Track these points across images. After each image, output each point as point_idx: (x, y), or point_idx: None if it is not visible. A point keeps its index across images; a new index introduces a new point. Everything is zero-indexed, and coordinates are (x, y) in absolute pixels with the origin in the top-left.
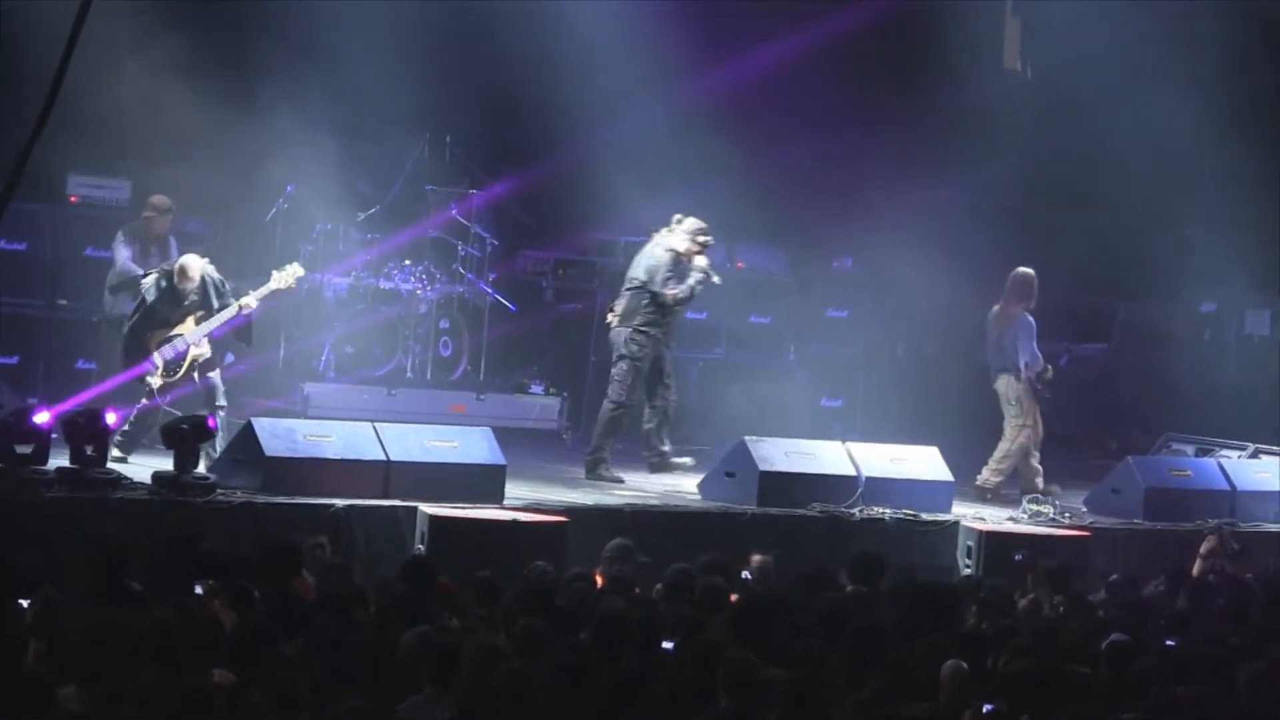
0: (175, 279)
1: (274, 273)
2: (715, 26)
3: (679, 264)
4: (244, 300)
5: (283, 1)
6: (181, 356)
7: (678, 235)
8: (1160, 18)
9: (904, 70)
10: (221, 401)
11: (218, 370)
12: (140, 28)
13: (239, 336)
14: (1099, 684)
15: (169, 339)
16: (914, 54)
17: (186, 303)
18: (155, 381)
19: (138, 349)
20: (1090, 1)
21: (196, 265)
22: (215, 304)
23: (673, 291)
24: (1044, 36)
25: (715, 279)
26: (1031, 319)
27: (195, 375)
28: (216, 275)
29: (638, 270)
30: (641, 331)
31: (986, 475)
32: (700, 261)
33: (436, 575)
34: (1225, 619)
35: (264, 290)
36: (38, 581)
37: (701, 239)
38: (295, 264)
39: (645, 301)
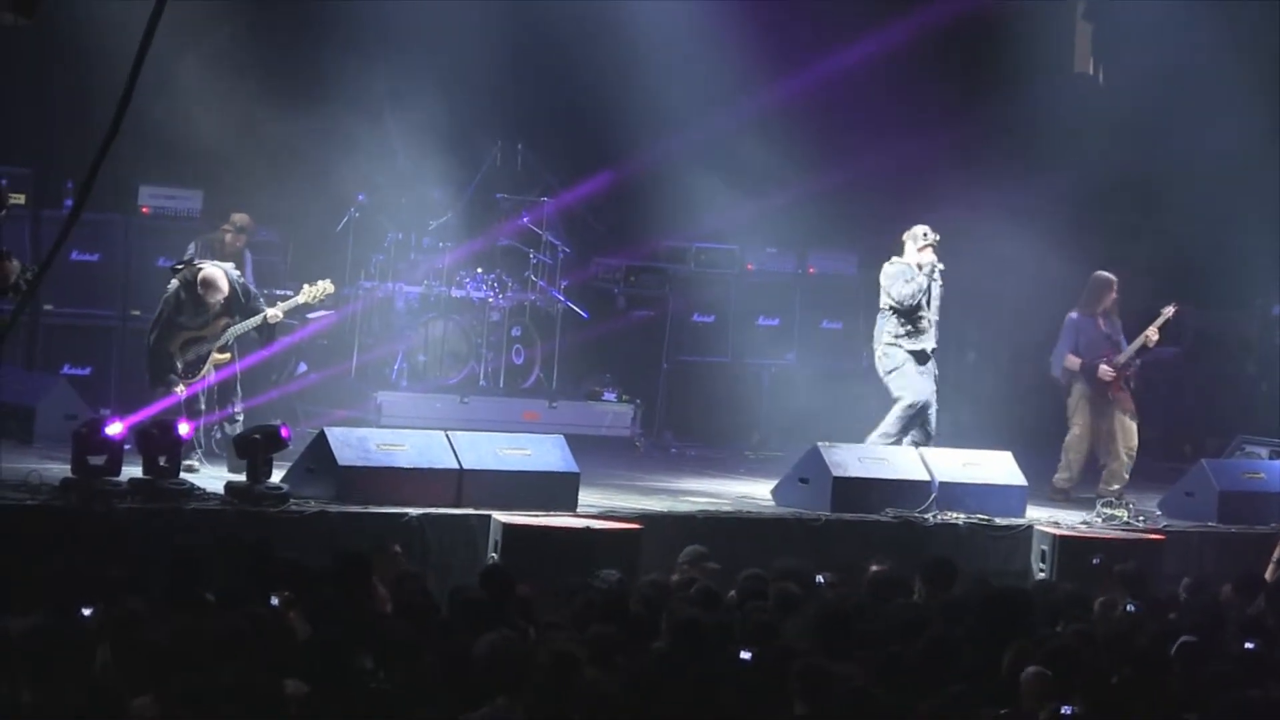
0: (199, 289)
1: (305, 286)
2: (786, 32)
3: (907, 271)
4: (270, 311)
5: (354, 10)
6: (202, 360)
7: (907, 248)
8: (1234, 22)
9: (975, 75)
10: (238, 409)
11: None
12: (211, 38)
13: (259, 333)
14: (1171, 686)
15: (192, 341)
16: (986, 58)
17: (211, 313)
18: (180, 389)
19: (163, 367)
20: (1162, 6)
21: (222, 278)
22: (242, 310)
23: (899, 290)
24: (1116, 40)
25: (940, 265)
26: (1075, 319)
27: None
28: (242, 280)
29: (880, 296)
30: (891, 344)
31: (1054, 476)
32: (926, 256)
33: (513, 583)
34: None
35: (291, 303)
36: (108, 592)
37: (924, 241)
38: (327, 280)
39: (885, 316)
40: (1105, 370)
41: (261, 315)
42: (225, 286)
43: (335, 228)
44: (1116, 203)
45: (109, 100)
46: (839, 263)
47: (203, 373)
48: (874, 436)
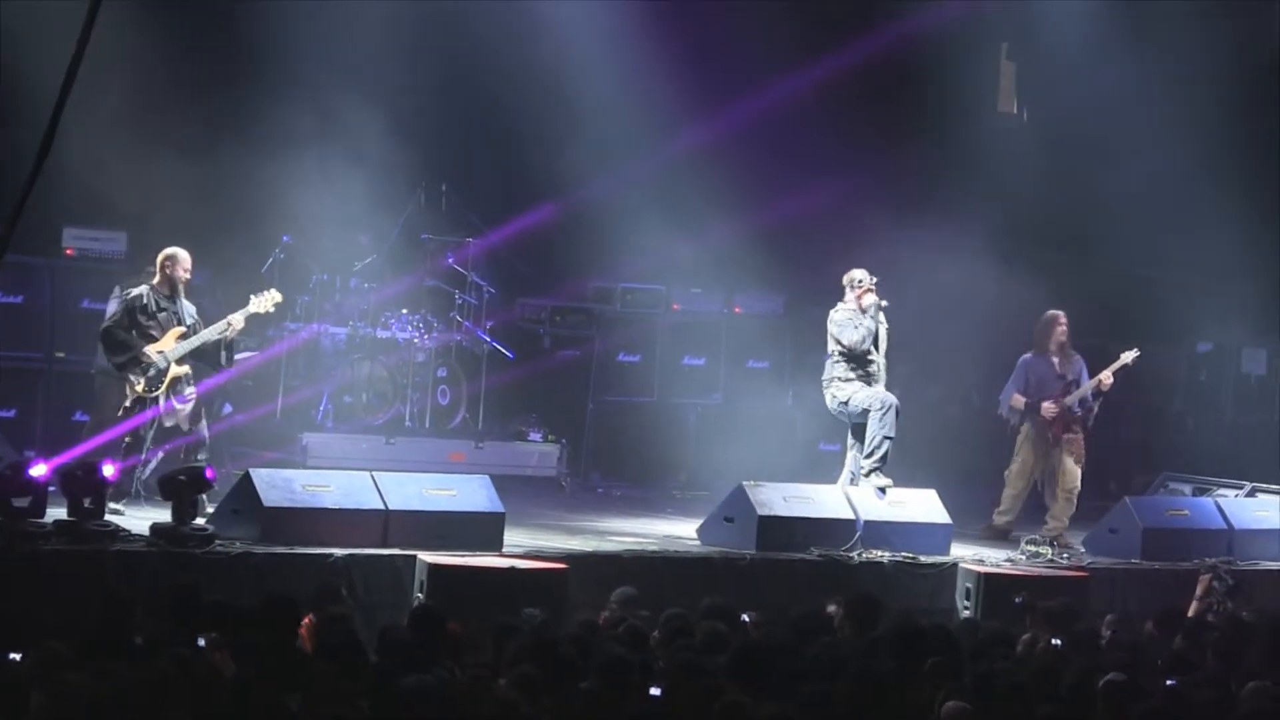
0: (158, 277)
1: (252, 297)
2: (711, 74)
3: (854, 316)
4: (233, 316)
5: (279, 51)
6: (162, 374)
7: (847, 294)
8: (1157, 62)
9: (900, 115)
10: (204, 455)
11: (203, 421)
12: (135, 82)
13: (223, 355)
14: None
15: (147, 359)
16: (910, 98)
17: (164, 310)
18: (131, 396)
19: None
20: (1086, 45)
21: (186, 256)
22: (191, 322)
23: (849, 336)
24: (1040, 80)
25: (884, 302)
26: (1026, 359)
27: (186, 425)
28: (189, 304)
29: (827, 342)
30: (837, 384)
31: (994, 513)
32: (868, 300)
33: (443, 624)
34: (1222, 658)
35: (245, 312)
36: (34, 634)
37: (860, 285)
38: (274, 290)
39: (834, 361)
40: (1047, 408)
41: (225, 321)
42: (184, 256)
43: (260, 269)
44: (1043, 240)
45: (31, 143)
46: (765, 303)
47: (159, 391)
48: (867, 462)
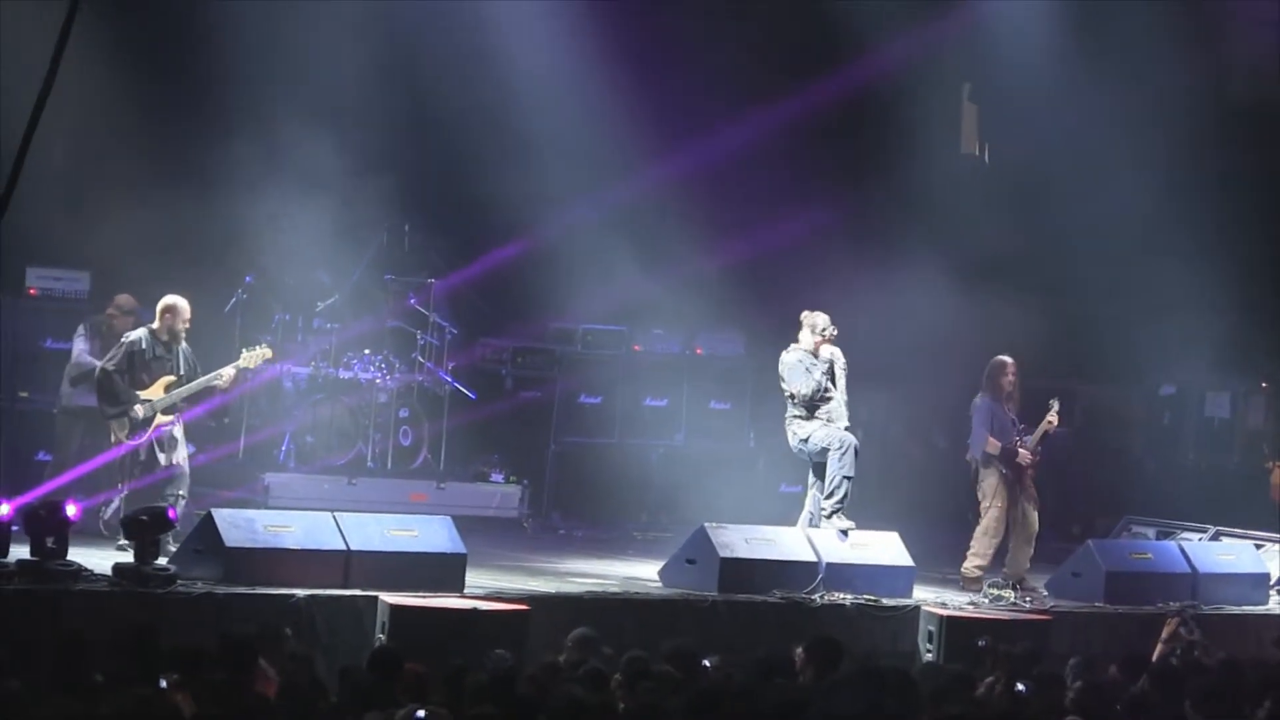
0: (157, 324)
1: (244, 351)
2: (673, 114)
3: (805, 359)
4: (225, 370)
5: (241, 91)
6: (146, 423)
7: (804, 334)
8: (1118, 103)
9: (861, 155)
10: (183, 491)
11: (186, 458)
12: (100, 122)
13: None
14: None
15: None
16: (872, 139)
17: (160, 358)
18: (119, 436)
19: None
20: (1048, 86)
21: (187, 307)
22: (186, 369)
23: (800, 386)
24: (1002, 121)
25: (841, 362)
26: (986, 403)
27: (160, 455)
28: (187, 347)
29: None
30: (797, 422)
31: (965, 564)
32: (824, 352)
33: (402, 665)
34: (1189, 702)
35: (234, 366)
36: None
37: (822, 331)
38: (264, 346)
39: (790, 404)
40: (1024, 455)
41: (216, 374)
42: (186, 313)
43: (223, 309)
44: (1004, 280)
45: None
46: (726, 344)
47: (142, 437)
48: (828, 503)
